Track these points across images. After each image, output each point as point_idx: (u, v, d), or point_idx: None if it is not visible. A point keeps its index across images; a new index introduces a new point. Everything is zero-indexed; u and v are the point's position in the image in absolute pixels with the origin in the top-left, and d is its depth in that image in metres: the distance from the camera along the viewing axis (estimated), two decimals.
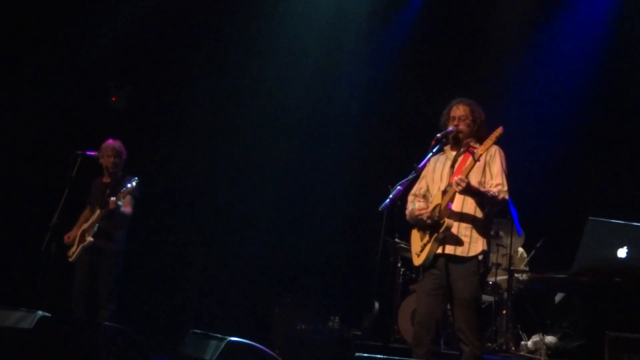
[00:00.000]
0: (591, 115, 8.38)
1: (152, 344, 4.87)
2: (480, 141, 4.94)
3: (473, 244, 4.86)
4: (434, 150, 4.99)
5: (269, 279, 9.06)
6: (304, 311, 8.20)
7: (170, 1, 8.76)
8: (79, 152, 6.76)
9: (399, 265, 8.00)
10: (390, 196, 4.84)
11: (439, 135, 5.00)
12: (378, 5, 9.18)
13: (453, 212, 4.87)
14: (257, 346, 4.16)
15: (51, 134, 8.37)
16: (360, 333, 7.84)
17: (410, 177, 4.95)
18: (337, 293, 8.87)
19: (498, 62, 8.76)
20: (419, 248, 4.98)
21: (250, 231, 9.23)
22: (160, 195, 8.59)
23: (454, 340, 5.20)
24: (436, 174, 5.08)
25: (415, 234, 5.09)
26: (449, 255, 4.86)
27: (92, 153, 6.86)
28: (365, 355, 3.69)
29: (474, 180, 4.84)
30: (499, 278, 7.54)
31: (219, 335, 4.16)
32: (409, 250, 5.30)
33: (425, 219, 4.93)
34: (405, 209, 5.20)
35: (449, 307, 5.02)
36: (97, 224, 6.67)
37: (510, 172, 5.00)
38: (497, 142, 4.79)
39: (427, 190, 5.14)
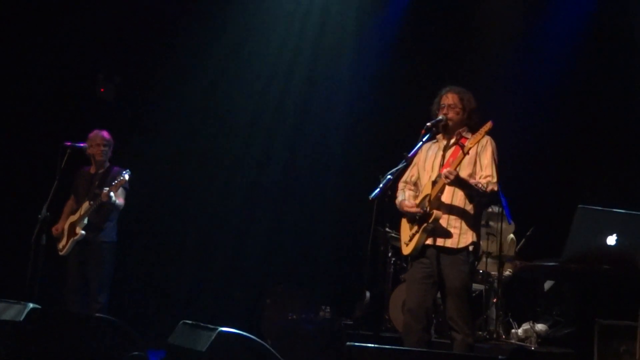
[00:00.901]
0: (581, 104, 8.40)
1: (143, 335, 4.85)
2: (472, 130, 4.95)
3: (462, 236, 4.88)
4: (424, 139, 4.99)
5: (260, 270, 9.05)
6: (295, 301, 8.21)
7: None
8: (69, 143, 6.73)
9: (390, 254, 8.02)
10: (381, 185, 4.85)
11: (429, 124, 5.01)
12: None
13: (442, 203, 4.88)
14: (248, 336, 4.16)
15: (39, 125, 8.32)
16: (351, 322, 7.85)
17: (400, 166, 4.96)
18: (328, 283, 8.88)
19: (488, 51, 8.76)
20: (408, 237, 5.00)
21: (240, 222, 9.22)
22: (150, 187, 8.55)
23: (445, 329, 5.22)
24: (427, 162, 5.09)
25: (404, 223, 5.10)
26: (439, 246, 4.88)
27: (82, 144, 6.83)
28: (357, 344, 3.70)
29: (464, 172, 4.85)
30: (489, 266, 7.57)
31: (210, 326, 4.16)
32: (400, 240, 5.31)
33: (414, 213, 4.94)
34: (395, 197, 5.21)
35: (438, 295, 5.04)
36: (86, 217, 6.63)
37: (500, 161, 5.01)
38: (488, 131, 4.80)
39: (418, 177, 5.15)
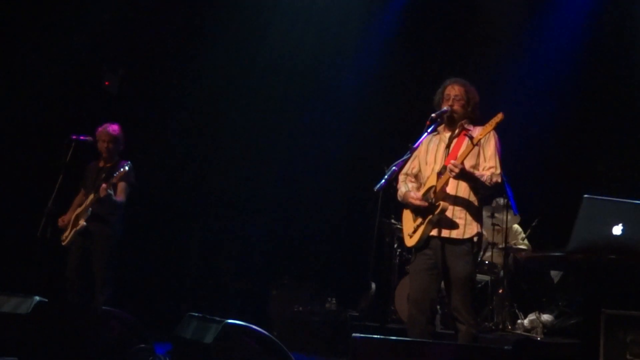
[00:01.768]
0: (587, 95, 8.38)
1: (149, 328, 4.87)
2: (474, 123, 4.95)
3: (468, 227, 4.87)
4: (429, 130, 4.98)
5: (266, 261, 9.08)
6: (301, 293, 8.23)
7: None
8: (74, 137, 6.73)
9: (395, 246, 8.02)
10: (386, 177, 4.83)
11: (433, 115, 4.99)
12: None
13: (448, 195, 4.87)
14: (254, 328, 4.17)
15: (44, 118, 8.33)
16: (357, 314, 7.87)
17: (405, 157, 4.94)
18: (334, 274, 8.89)
19: (493, 43, 8.75)
20: (412, 229, 4.98)
21: (246, 214, 9.24)
22: (156, 180, 8.57)
23: (449, 320, 5.21)
24: (429, 155, 5.07)
25: (407, 215, 5.09)
26: (444, 237, 4.87)
27: (87, 138, 6.81)
28: (362, 335, 3.70)
29: (468, 164, 4.84)
30: (495, 256, 7.56)
31: (217, 318, 4.17)
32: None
33: (418, 205, 4.93)
34: (397, 189, 5.20)
35: (442, 286, 5.04)
36: (90, 208, 6.63)
37: (506, 152, 5.00)
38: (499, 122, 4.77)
39: (419, 170, 5.14)
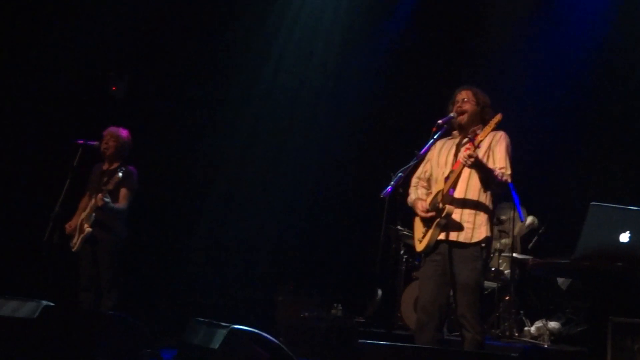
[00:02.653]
0: (594, 101, 8.37)
1: (156, 333, 4.87)
2: (485, 125, 4.93)
3: (476, 230, 4.84)
4: (435, 137, 4.98)
5: (272, 267, 9.07)
6: (307, 299, 8.21)
7: None
8: (81, 141, 6.74)
9: (402, 252, 8.02)
10: (392, 183, 4.84)
11: (440, 121, 4.99)
12: None
13: (456, 198, 4.85)
14: (261, 334, 4.16)
15: (52, 123, 8.36)
16: (363, 320, 7.86)
17: (411, 163, 4.95)
18: (340, 281, 8.89)
19: (498, 47, 8.74)
20: (421, 234, 4.97)
21: (252, 220, 9.24)
22: (163, 185, 8.59)
23: (456, 326, 5.20)
24: (441, 158, 5.06)
25: (418, 220, 5.08)
26: (451, 241, 4.85)
27: (94, 143, 6.83)
28: (369, 342, 3.70)
29: None
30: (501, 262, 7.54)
31: (223, 324, 4.16)
32: (411, 237, 5.30)
33: (424, 217, 4.93)
34: (407, 195, 5.19)
35: (451, 293, 5.02)
36: (93, 214, 6.62)
37: (513, 159, 4.99)
38: (500, 127, 4.78)
39: (432, 173, 5.13)
